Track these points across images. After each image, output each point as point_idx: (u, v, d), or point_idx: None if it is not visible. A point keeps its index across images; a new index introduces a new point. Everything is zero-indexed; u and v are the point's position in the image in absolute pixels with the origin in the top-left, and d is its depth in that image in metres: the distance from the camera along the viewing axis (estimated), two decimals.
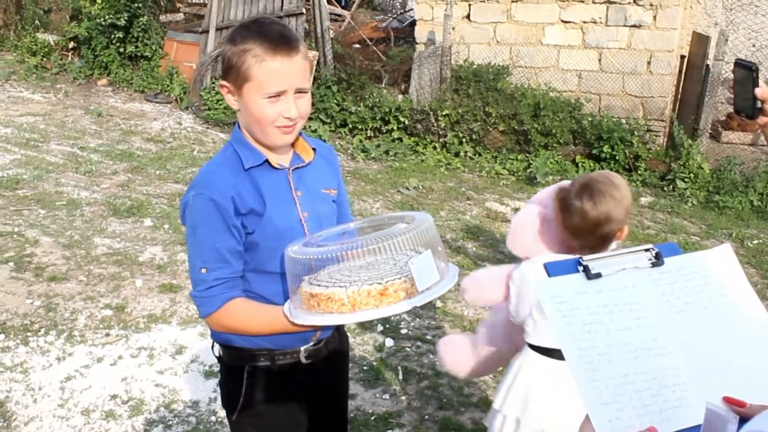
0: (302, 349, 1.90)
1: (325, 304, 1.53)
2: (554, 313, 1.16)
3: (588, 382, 1.11)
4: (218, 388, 3.61)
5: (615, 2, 8.55)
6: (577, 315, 1.16)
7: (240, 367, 1.91)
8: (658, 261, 1.25)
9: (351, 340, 4.08)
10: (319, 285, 1.56)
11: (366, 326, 4.36)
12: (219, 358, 1.98)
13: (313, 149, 1.90)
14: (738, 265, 1.29)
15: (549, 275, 1.20)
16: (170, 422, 3.43)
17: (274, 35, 1.69)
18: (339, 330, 2.08)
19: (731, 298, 1.25)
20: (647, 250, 1.27)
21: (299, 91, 1.73)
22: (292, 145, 1.86)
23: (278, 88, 1.69)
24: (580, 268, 1.21)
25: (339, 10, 12.67)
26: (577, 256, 1.24)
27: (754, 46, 9.53)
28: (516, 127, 8.26)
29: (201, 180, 1.77)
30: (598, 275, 1.21)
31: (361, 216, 6.06)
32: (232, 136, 1.83)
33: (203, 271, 1.74)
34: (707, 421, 1.02)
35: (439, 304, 4.73)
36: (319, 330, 1.87)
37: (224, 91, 1.78)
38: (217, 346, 1.96)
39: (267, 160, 1.79)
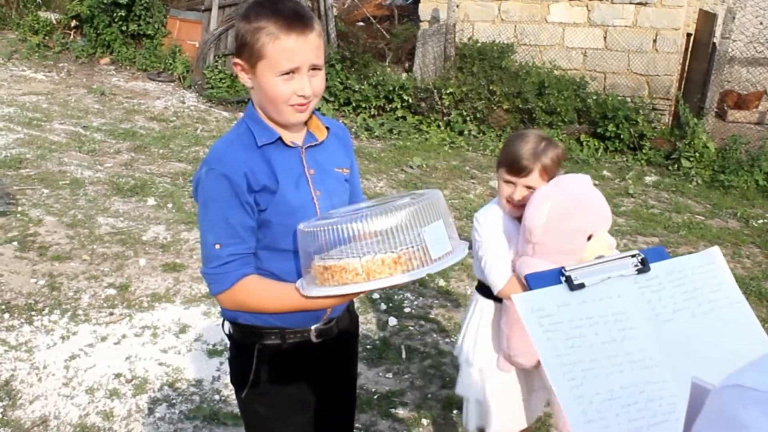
0: (313, 328, 1.90)
1: (339, 275, 1.52)
2: (535, 327, 1.12)
3: (572, 399, 1.08)
4: (221, 367, 3.65)
5: None
6: (560, 329, 1.12)
7: (250, 345, 1.90)
8: (644, 267, 1.23)
9: None
10: (331, 258, 1.55)
11: (369, 305, 4.37)
12: (229, 336, 1.97)
13: (327, 128, 1.89)
14: (727, 269, 1.25)
15: (530, 288, 1.17)
16: (174, 401, 3.44)
17: (288, 13, 1.67)
18: (349, 310, 2.07)
19: (720, 305, 1.21)
20: (633, 256, 1.24)
21: (314, 68, 1.72)
22: (306, 123, 1.85)
23: (292, 65, 1.68)
24: (563, 279, 1.18)
25: None
26: (560, 266, 1.20)
27: (761, 23, 9.44)
28: (520, 106, 8.22)
29: (214, 156, 1.76)
30: (582, 285, 1.17)
31: (366, 196, 6.04)
32: (246, 113, 1.83)
33: (217, 246, 1.73)
34: (692, 397, 1.01)
35: (442, 283, 4.73)
36: (329, 308, 1.87)
37: (237, 69, 1.77)
38: (227, 324, 1.96)
39: (280, 138, 1.78)
